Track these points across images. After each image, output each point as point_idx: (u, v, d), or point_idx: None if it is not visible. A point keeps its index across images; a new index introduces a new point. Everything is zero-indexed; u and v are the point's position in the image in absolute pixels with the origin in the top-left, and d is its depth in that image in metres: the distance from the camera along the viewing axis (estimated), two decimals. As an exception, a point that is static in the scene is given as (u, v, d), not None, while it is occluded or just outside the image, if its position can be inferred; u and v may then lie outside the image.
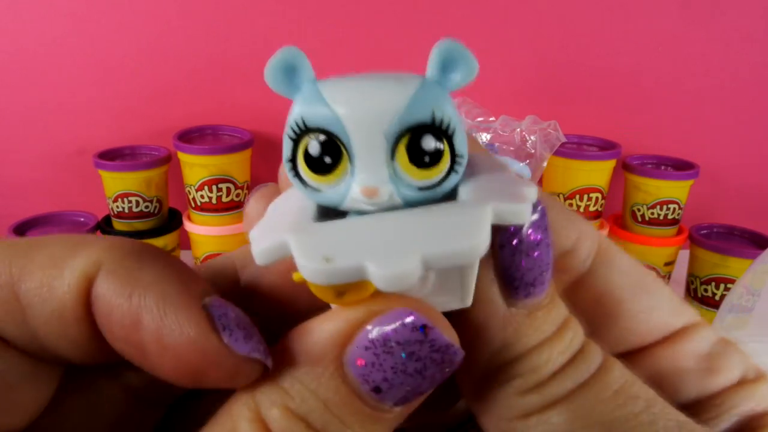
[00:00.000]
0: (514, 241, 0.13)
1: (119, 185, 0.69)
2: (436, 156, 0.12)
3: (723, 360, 0.16)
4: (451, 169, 0.13)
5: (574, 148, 0.72)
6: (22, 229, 0.66)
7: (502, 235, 0.13)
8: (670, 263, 0.72)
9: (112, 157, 0.71)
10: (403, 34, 0.76)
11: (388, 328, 0.12)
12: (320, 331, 0.13)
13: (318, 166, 0.12)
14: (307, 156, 0.12)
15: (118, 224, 0.71)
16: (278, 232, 0.12)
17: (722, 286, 0.68)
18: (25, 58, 0.73)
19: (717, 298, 0.68)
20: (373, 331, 0.12)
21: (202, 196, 0.69)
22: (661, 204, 0.70)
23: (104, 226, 0.70)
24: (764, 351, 0.18)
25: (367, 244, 0.12)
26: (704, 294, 0.69)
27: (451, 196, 0.13)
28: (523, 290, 0.13)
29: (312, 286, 0.12)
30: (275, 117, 0.77)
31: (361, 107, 0.12)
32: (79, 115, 0.76)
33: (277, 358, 0.13)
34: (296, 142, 0.12)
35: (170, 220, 0.74)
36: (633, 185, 0.71)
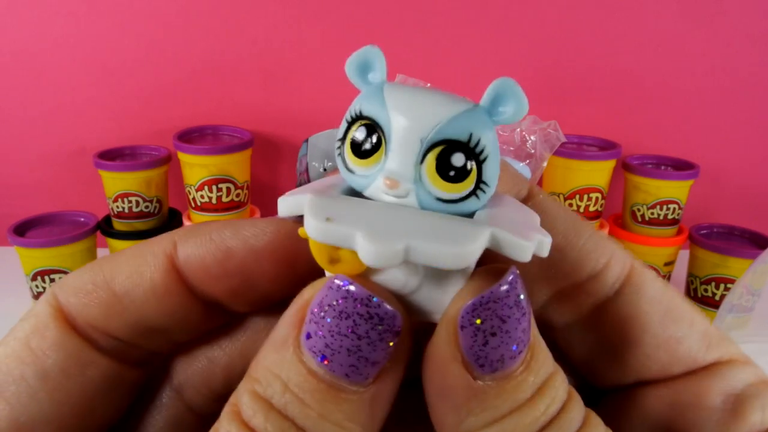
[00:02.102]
0: (478, 321, 0.12)
1: (119, 185, 0.69)
2: (461, 173, 0.13)
3: (754, 403, 0.15)
4: (474, 192, 0.13)
5: (574, 148, 0.72)
6: (22, 229, 0.66)
7: (462, 315, 0.12)
8: (669, 263, 0.72)
9: (112, 157, 0.71)
10: (403, 34, 0.76)
11: (321, 295, 0.13)
12: (282, 319, 0.13)
13: (358, 149, 0.14)
14: (353, 139, 0.14)
15: (118, 224, 0.71)
16: (304, 193, 0.14)
17: (722, 286, 0.68)
18: (25, 58, 0.74)
19: (717, 298, 0.68)
20: (314, 304, 0.13)
21: (202, 196, 0.69)
22: (661, 204, 0.70)
23: (104, 226, 0.70)
24: (764, 351, 0.18)
25: (367, 220, 0.13)
26: (704, 294, 0.69)
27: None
28: (488, 368, 0.12)
29: (312, 246, 0.13)
30: (275, 117, 0.77)
31: (409, 109, 0.13)
32: (79, 115, 0.76)
33: (255, 358, 0.14)
34: (350, 125, 0.14)
35: (170, 220, 0.74)
36: (633, 185, 0.71)
